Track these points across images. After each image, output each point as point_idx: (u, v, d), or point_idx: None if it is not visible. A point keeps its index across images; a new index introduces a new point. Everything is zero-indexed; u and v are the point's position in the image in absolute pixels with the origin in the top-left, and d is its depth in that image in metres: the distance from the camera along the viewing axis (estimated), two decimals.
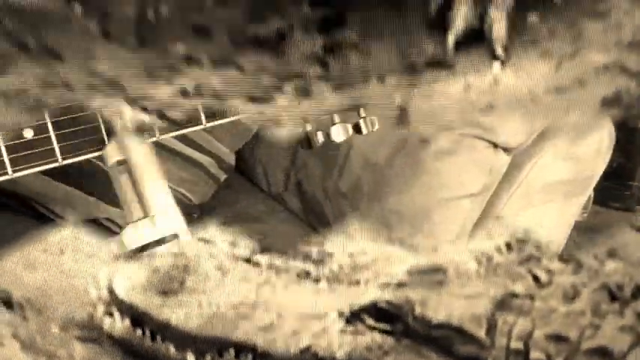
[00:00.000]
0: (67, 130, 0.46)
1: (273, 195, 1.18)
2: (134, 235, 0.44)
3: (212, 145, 1.13)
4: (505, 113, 0.93)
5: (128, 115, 0.44)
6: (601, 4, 0.48)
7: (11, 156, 0.46)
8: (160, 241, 0.45)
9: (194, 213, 1.11)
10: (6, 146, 0.45)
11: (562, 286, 0.60)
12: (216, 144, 1.13)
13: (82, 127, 0.46)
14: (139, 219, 0.45)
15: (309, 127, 0.61)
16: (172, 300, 0.46)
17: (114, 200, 1.06)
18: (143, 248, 0.44)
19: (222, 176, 1.14)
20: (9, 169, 0.46)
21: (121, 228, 1.03)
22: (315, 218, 1.08)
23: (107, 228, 1.06)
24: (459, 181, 0.93)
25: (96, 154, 0.48)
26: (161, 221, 0.45)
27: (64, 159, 0.46)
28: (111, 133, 0.46)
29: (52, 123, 0.46)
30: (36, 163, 0.47)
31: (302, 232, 1.08)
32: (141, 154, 0.45)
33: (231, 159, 1.17)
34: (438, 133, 0.92)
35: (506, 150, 0.94)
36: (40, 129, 0.47)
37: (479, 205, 0.94)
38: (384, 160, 0.96)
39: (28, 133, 0.45)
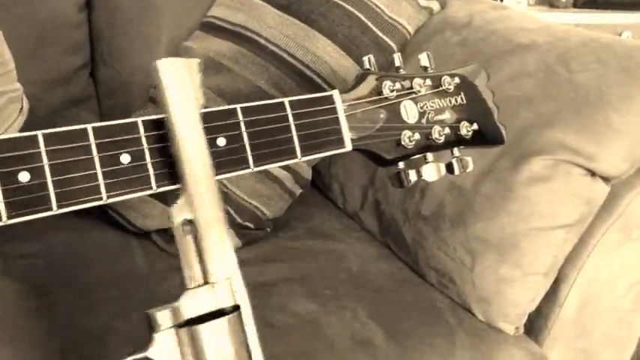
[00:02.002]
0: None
1: (348, 213, 1.14)
2: (192, 303, 0.42)
3: None
4: (607, 139, 0.88)
5: None
6: None
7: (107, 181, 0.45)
8: (219, 313, 0.42)
9: (267, 227, 1.09)
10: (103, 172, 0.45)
11: None
12: None
13: None
14: (199, 285, 0.42)
15: (401, 165, 0.59)
16: None
17: None
18: (202, 319, 0.41)
19: (298, 191, 1.12)
20: (104, 195, 0.45)
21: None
22: (393, 240, 1.04)
23: None
24: (553, 210, 0.86)
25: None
26: (222, 290, 0.42)
27: (158, 187, 0.46)
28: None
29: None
30: (131, 189, 0.46)
31: (379, 253, 1.06)
32: (210, 215, 0.42)
33: (308, 174, 1.15)
34: (530, 157, 0.88)
35: (605, 179, 0.88)
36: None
37: (573, 236, 0.87)
38: (471, 184, 0.91)
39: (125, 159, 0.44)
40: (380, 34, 1.10)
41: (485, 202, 0.89)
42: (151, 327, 0.41)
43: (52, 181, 0.47)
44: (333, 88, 1.08)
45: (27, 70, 0.97)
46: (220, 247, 0.42)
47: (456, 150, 0.62)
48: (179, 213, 0.43)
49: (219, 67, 1.10)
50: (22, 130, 0.73)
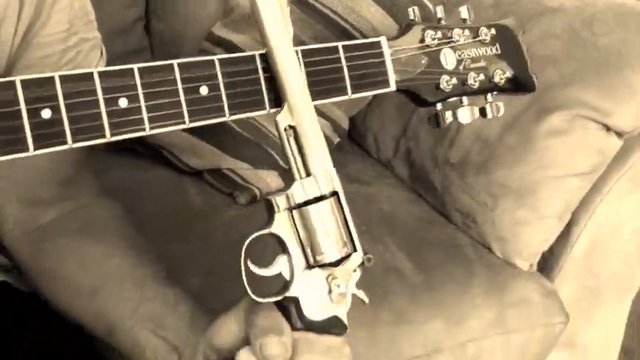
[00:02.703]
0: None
1: (381, 161, 1.22)
2: (300, 192, 0.50)
3: (329, 108, 1.20)
4: (624, 98, 0.96)
5: None
6: None
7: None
8: (320, 198, 0.50)
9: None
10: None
11: None
12: (333, 108, 1.21)
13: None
14: (304, 178, 0.50)
15: (439, 107, 0.65)
16: None
17: (236, 153, 1.17)
18: (306, 203, 0.49)
19: (336, 139, 1.20)
20: (186, 119, 0.54)
21: (243, 179, 1.13)
22: (422, 185, 1.12)
23: (229, 177, 1.16)
24: (568, 161, 0.94)
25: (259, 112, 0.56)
26: (322, 181, 0.50)
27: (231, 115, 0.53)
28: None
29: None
30: (207, 116, 0.55)
31: (409, 197, 1.14)
32: (309, 122, 0.51)
33: (345, 123, 1.24)
34: (551, 112, 0.97)
35: (618, 134, 0.96)
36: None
37: (586, 184, 0.95)
38: (496, 135, 0.98)
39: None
40: None
41: (507, 152, 0.98)
42: (271, 209, 0.50)
43: (146, 106, 0.57)
44: None
45: None
46: (317, 145, 0.51)
47: (489, 96, 0.67)
48: (284, 121, 0.51)
49: None
50: None
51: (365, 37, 1.16)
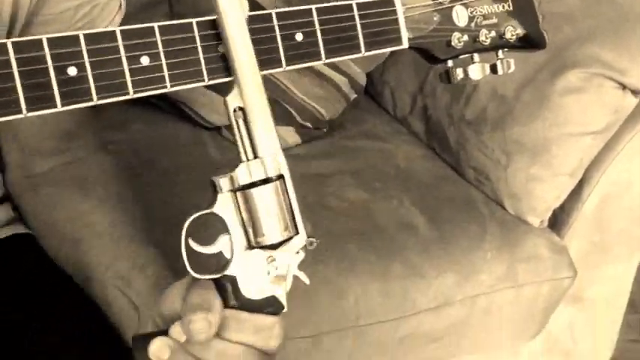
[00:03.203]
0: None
1: (398, 117, 1.23)
2: (245, 173, 0.50)
3: (347, 65, 1.21)
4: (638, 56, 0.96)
5: None
6: None
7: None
8: (266, 181, 0.50)
9: (324, 127, 1.22)
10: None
11: None
12: (350, 64, 1.23)
13: None
14: (251, 159, 0.50)
15: (450, 64, 0.65)
16: None
17: None
18: (251, 185, 0.50)
19: (353, 95, 1.21)
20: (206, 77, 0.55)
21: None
22: (438, 142, 1.13)
23: None
24: (583, 118, 0.94)
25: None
26: (268, 163, 0.50)
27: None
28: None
29: None
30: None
31: (424, 154, 1.16)
32: (257, 102, 0.51)
33: (362, 79, 1.25)
34: (568, 70, 0.97)
35: (634, 92, 0.96)
36: None
37: (599, 142, 0.96)
38: (512, 92, 0.99)
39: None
40: None
41: (523, 109, 0.99)
42: (215, 190, 0.51)
43: (166, 64, 0.59)
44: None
45: None
46: (266, 128, 0.50)
47: (500, 52, 0.67)
48: (233, 101, 0.51)
49: None
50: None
51: None
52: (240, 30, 0.52)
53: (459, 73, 0.67)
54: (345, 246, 0.92)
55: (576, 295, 1.04)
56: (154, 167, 1.10)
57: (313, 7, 0.60)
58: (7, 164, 0.75)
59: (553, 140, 0.97)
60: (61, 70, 0.51)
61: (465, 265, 0.95)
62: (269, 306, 0.52)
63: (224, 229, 0.51)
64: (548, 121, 0.97)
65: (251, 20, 0.56)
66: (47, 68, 0.51)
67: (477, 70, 0.67)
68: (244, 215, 0.51)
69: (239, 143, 0.51)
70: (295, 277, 0.54)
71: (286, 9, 0.59)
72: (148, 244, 0.66)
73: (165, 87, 0.57)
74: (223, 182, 0.51)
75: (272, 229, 0.52)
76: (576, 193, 1.01)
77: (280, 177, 0.52)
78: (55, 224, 0.72)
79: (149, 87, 0.56)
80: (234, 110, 0.51)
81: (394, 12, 0.64)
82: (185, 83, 0.58)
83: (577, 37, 0.97)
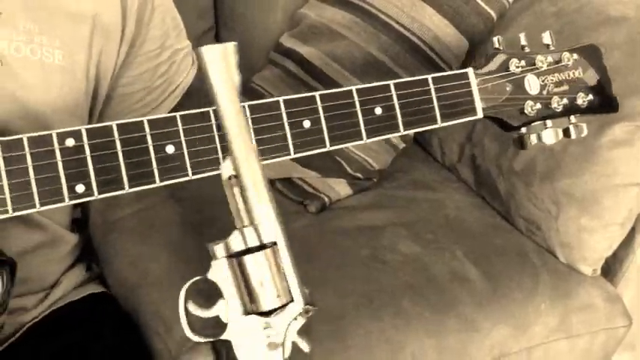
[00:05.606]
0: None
1: (446, 166, 1.26)
2: (239, 240, 0.52)
3: None
4: None
5: None
6: None
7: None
8: (260, 247, 0.51)
9: (374, 177, 1.27)
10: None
11: None
12: None
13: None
14: (245, 226, 0.52)
15: (523, 131, 0.69)
16: None
17: (306, 162, 1.18)
18: (246, 252, 0.51)
19: (402, 145, 1.22)
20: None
21: (313, 187, 1.21)
22: (487, 191, 1.15)
23: (299, 186, 1.26)
24: (632, 170, 0.96)
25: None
26: (264, 230, 0.52)
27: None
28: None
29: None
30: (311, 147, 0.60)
31: (474, 202, 1.19)
32: (251, 172, 0.52)
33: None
34: (614, 123, 1.02)
35: None
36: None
37: None
38: (560, 145, 1.01)
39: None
40: (481, 3, 1.21)
41: (572, 162, 1.00)
42: (210, 257, 0.52)
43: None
44: (437, 54, 1.23)
45: None
46: (259, 196, 0.52)
47: (572, 117, 0.70)
48: (227, 170, 0.53)
49: (334, 34, 1.23)
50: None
51: (428, 46, 1.22)
52: (231, 103, 0.54)
53: (533, 138, 0.70)
54: (400, 302, 0.94)
55: (631, 343, 1.06)
56: (214, 224, 1.16)
57: (391, 82, 0.64)
58: (90, 209, 0.82)
59: (602, 192, 0.99)
60: (159, 149, 0.55)
61: (519, 317, 0.96)
62: None
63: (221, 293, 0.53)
64: (597, 174, 0.99)
65: (334, 97, 0.61)
66: (148, 147, 0.55)
67: (550, 136, 0.70)
68: (240, 281, 0.53)
69: (234, 210, 0.53)
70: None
71: (367, 85, 0.64)
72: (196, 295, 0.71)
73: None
74: (218, 249, 0.53)
75: (264, 296, 0.53)
76: (628, 242, 1.03)
77: (274, 244, 0.53)
78: (118, 270, 0.78)
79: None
80: (229, 178, 0.54)
81: (468, 84, 0.67)
82: (271, 157, 0.61)
83: (622, 90, 1.00)
